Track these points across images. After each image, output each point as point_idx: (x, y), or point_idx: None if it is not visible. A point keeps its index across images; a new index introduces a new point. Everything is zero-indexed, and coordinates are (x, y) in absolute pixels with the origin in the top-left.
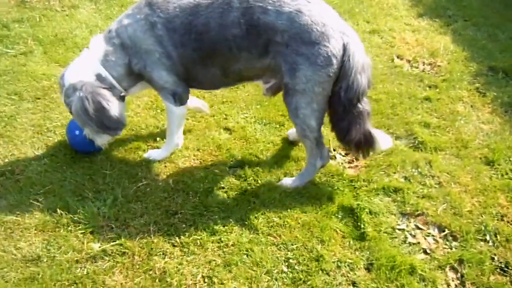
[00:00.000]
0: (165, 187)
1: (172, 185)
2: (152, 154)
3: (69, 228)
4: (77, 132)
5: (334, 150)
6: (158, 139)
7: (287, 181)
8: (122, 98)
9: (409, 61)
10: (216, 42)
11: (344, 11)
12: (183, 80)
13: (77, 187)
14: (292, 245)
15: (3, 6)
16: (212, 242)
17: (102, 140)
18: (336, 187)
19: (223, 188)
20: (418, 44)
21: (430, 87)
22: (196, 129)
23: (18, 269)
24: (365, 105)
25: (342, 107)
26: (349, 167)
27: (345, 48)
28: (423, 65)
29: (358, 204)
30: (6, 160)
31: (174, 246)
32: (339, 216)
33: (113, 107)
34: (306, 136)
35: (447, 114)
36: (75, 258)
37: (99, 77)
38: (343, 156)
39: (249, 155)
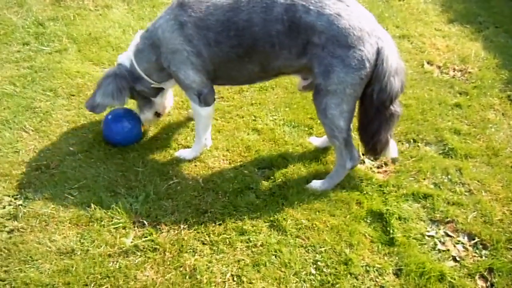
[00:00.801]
0: (195, 186)
1: (202, 184)
2: (182, 153)
3: (102, 223)
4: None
5: (363, 154)
6: (188, 138)
7: (316, 184)
8: (156, 90)
9: (439, 67)
10: (259, 38)
11: (374, 15)
12: (210, 80)
13: (110, 183)
14: (321, 247)
15: (39, 4)
16: (241, 242)
17: (143, 117)
18: (365, 192)
19: (252, 188)
20: (449, 50)
21: (460, 93)
22: (225, 129)
23: (52, 261)
24: (397, 107)
25: (375, 109)
26: (378, 172)
27: (379, 52)
28: (454, 71)
29: (387, 209)
30: (42, 155)
31: (204, 244)
32: (368, 221)
33: (103, 97)
34: (335, 137)
35: (477, 121)
36: (108, 252)
37: (131, 65)
38: (372, 161)
39: (278, 157)
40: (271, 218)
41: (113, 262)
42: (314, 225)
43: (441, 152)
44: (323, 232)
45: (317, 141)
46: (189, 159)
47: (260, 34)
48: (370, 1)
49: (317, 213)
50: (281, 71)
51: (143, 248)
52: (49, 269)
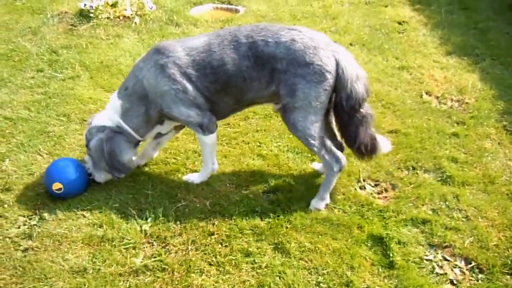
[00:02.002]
0: (202, 208)
1: (209, 207)
2: (190, 177)
3: (114, 243)
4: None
5: (364, 180)
6: (196, 163)
7: (314, 203)
8: (137, 144)
9: (437, 98)
10: (232, 74)
11: (374, 47)
12: (206, 110)
13: (121, 205)
14: (323, 269)
15: (52, 33)
16: (247, 263)
17: (101, 177)
18: (366, 217)
19: (257, 212)
20: (447, 81)
21: (458, 123)
22: (231, 155)
23: (65, 279)
24: (367, 109)
25: (347, 115)
26: (378, 198)
27: (337, 63)
28: (451, 101)
29: (387, 234)
30: None
31: (210, 265)
32: (369, 244)
33: (125, 154)
34: (312, 145)
35: (474, 150)
36: (119, 272)
37: (118, 126)
38: (372, 186)
39: (282, 182)
40: (276, 241)
41: (123, 281)
42: (317, 248)
43: (439, 179)
44: (325, 254)
45: (318, 166)
46: (197, 183)
47: (232, 71)
48: (371, 33)
49: (320, 236)
50: (254, 101)
51: (152, 268)
52: (62, 287)
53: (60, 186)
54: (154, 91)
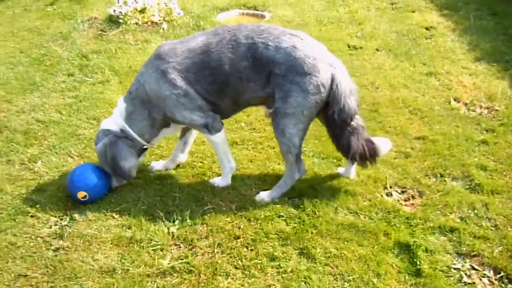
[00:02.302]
0: (228, 212)
1: (235, 211)
2: (216, 181)
3: (142, 244)
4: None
5: (390, 187)
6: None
7: (264, 194)
8: (143, 150)
9: (466, 104)
10: (229, 74)
11: (401, 53)
12: (208, 111)
13: (149, 207)
14: (349, 276)
15: (82, 38)
16: (272, 267)
17: (115, 181)
18: (392, 223)
19: (282, 216)
20: (476, 87)
21: (487, 130)
22: (257, 159)
23: (95, 279)
24: (357, 121)
25: (338, 128)
26: (405, 205)
27: (333, 78)
28: (481, 108)
29: (414, 241)
30: None
31: (236, 268)
32: (395, 252)
33: (126, 160)
34: (290, 153)
35: (504, 158)
36: (147, 273)
37: (123, 130)
38: (399, 193)
39: (307, 187)
40: (301, 246)
41: (151, 282)
42: (343, 254)
43: (467, 187)
44: (351, 261)
45: (342, 170)
46: (222, 186)
47: (230, 70)
48: (397, 39)
49: (346, 242)
50: (250, 102)
51: (179, 269)
52: (91, 286)
53: (85, 193)
54: (156, 95)
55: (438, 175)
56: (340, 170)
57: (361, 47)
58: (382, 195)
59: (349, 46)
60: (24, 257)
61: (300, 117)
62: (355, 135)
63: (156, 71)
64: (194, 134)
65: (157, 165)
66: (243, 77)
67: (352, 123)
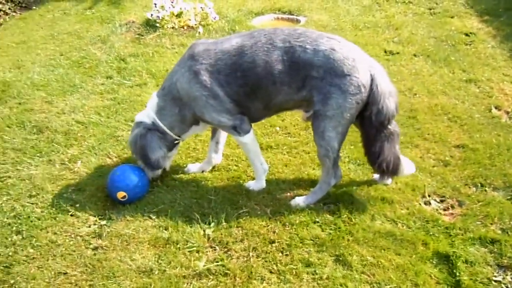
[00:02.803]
0: (263, 216)
1: (270, 215)
2: (251, 184)
3: (178, 246)
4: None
5: (429, 196)
6: None
7: (300, 199)
8: (175, 144)
9: (507, 113)
10: (262, 77)
11: (440, 59)
12: (236, 113)
13: (186, 209)
14: (386, 285)
15: (120, 41)
16: (307, 273)
17: (149, 173)
18: (431, 233)
19: (317, 222)
20: None
21: None
22: (292, 164)
23: (132, 279)
24: (395, 126)
25: (374, 130)
26: (444, 214)
27: (372, 78)
28: None
29: (454, 252)
30: None
31: (271, 272)
32: (434, 262)
33: (153, 151)
34: (328, 156)
35: None
36: (183, 274)
37: (154, 123)
38: (438, 202)
39: (343, 193)
40: (337, 253)
41: (187, 283)
42: (380, 263)
43: (509, 197)
44: (388, 270)
45: (376, 176)
46: (257, 189)
47: (263, 73)
48: (436, 44)
49: (383, 251)
50: (283, 106)
51: (215, 272)
52: (129, 285)
53: (124, 194)
54: (187, 95)
55: (479, 184)
56: (376, 176)
57: (398, 53)
58: (420, 204)
59: (385, 52)
60: (64, 255)
61: (340, 119)
62: (389, 141)
63: (188, 70)
64: (224, 133)
65: (193, 168)
66: (277, 80)
67: (389, 127)
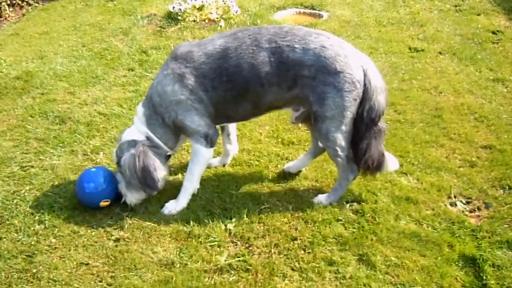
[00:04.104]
0: (285, 212)
1: (292, 212)
2: (168, 207)
3: (200, 240)
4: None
5: (454, 197)
6: (279, 166)
7: (322, 197)
8: (167, 157)
9: None
10: (249, 80)
11: (466, 57)
12: (212, 121)
13: (207, 203)
14: (411, 287)
15: (142, 34)
16: (330, 272)
17: (134, 197)
18: (457, 235)
19: (340, 220)
20: None
21: None
22: (314, 161)
23: (154, 271)
24: (382, 123)
25: (365, 126)
26: (470, 216)
27: (365, 74)
28: None
29: (480, 255)
30: None
31: (293, 270)
32: (460, 265)
33: (159, 170)
34: (339, 156)
35: None
36: (204, 268)
37: (148, 138)
38: (464, 204)
39: (366, 192)
40: (360, 252)
41: (208, 277)
42: (404, 264)
43: None
44: (413, 271)
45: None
46: (177, 211)
47: (250, 76)
48: (462, 42)
49: (407, 251)
50: (273, 105)
51: (236, 267)
52: (150, 278)
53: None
54: (169, 98)
55: (506, 187)
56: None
57: (423, 50)
58: (446, 205)
59: (410, 49)
60: (86, 246)
61: (341, 118)
62: (376, 139)
63: (172, 73)
64: (233, 124)
65: (214, 162)
66: (265, 82)
67: (379, 124)
